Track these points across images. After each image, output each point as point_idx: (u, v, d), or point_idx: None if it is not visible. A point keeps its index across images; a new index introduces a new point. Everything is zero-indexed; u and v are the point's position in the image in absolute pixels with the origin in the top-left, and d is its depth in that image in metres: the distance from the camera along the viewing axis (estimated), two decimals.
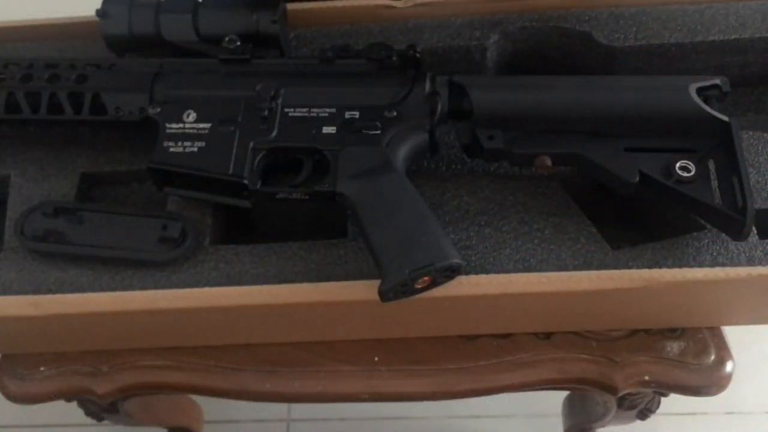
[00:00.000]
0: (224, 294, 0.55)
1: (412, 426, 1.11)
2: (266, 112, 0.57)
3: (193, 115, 0.58)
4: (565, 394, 0.94)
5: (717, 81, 0.58)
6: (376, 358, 0.63)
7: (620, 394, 0.64)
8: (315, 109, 0.58)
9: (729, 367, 0.61)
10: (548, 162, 0.57)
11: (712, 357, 0.61)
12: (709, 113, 0.57)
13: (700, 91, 0.58)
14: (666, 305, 0.59)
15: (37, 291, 0.57)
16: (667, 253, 0.57)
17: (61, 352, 0.64)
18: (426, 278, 0.52)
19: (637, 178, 0.55)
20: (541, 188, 0.61)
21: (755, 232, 0.57)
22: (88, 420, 0.80)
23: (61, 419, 1.08)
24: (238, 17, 0.61)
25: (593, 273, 0.55)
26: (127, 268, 0.58)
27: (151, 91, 0.60)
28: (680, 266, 0.55)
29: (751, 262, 0.56)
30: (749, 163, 0.60)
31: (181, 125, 0.58)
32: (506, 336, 0.63)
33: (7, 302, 0.56)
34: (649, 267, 0.55)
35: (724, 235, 0.56)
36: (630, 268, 0.56)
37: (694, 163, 0.55)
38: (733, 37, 0.65)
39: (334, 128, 0.58)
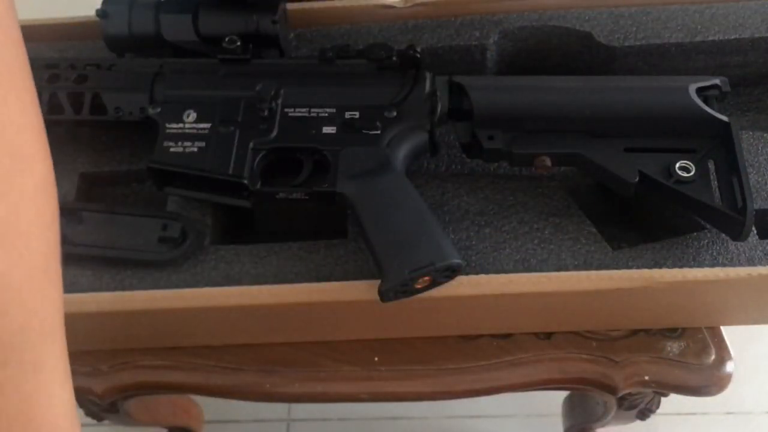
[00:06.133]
0: (224, 294, 0.55)
1: (412, 426, 1.11)
2: (266, 112, 0.57)
3: (193, 115, 0.58)
4: (565, 394, 0.94)
5: (717, 81, 0.58)
6: (376, 358, 0.63)
7: (620, 394, 0.64)
8: (315, 109, 0.58)
9: (729, 367, 0.61)
10: (548, 162, 0.57)
11: (712, 357, 0.61)
12: (708, 113, 0.56)
13: (699, 91, 0.58)
14: (666, 305, 0.59)
15: None
16: (667, 253, 0.57)
17: None
18: (426, 278, 0.52)
19: (637, 178, 0.55)
20: (541, 188, 0.61)
21: (755, 232, 0.57)
22: (88, 420, 0.80)
23: None
24: (238, 17, 0.60)
25: (593, 273, 0.55)
26: (127, 268, 0.58)
27: (151, 91, 0.60)
28: (680, 266, 0.55)
29: (751, 262, 0.56)
30: (749, 163, 0.60)
31: (181, 125, 0.58)
32: (506, 336, 0.63)
33: None
34: (649, 267, 0.55)
35: (724, 235, 0.56)
36: (630, 268, 0.56)
37: (693, 163, 0.55)
38: (733, 37, 0.65)
39: (334, 128, 0.57)
